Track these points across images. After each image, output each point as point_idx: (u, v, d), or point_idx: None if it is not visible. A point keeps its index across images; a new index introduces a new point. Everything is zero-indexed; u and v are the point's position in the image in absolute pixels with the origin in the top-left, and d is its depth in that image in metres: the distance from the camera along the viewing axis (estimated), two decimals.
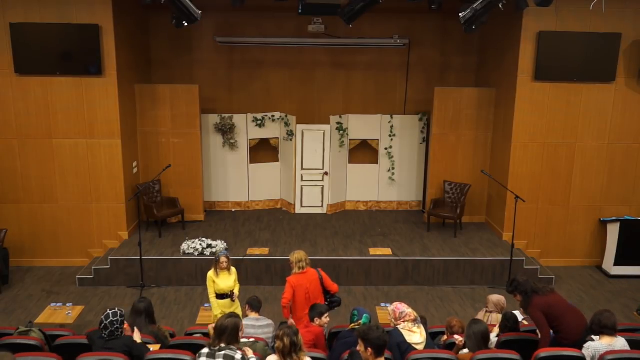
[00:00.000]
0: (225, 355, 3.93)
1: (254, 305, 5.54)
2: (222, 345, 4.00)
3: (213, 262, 6.21)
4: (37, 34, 8.13)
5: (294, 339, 3.96)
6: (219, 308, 6.11)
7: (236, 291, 6.22)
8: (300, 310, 5.61)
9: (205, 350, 4.02)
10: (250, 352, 4.20)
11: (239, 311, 6.12)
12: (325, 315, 5.18)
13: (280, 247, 8.77)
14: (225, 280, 6.13)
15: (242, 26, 10.18)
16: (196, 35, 10.17)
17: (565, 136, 8.86)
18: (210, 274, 6.15)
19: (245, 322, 5.08)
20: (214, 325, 6.00)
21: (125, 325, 4.72)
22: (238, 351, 3.99)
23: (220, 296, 6.13)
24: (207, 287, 6.18)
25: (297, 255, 5.82)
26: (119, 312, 4.51)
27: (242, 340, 4.42)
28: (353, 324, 4.85)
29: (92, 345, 4.54)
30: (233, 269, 6.28)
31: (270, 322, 5.48)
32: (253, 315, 5.48)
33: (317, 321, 5.10)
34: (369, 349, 3.86)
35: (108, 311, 4.50)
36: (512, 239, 8.44)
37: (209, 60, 10.38)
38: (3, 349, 4.57)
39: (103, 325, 4.44)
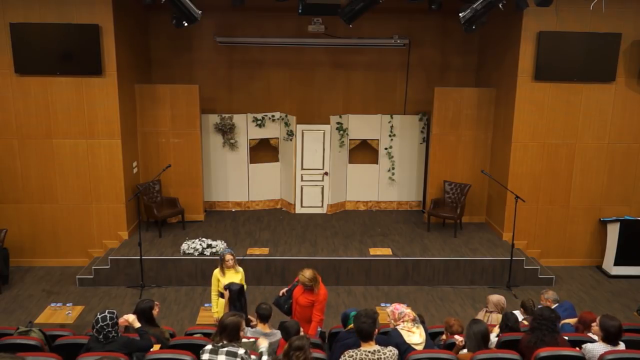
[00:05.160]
0: (228, 352, 3.96)
1: (262, 315, 5.20)
2: (225, 342, 4.02)
3: (219, 261, 6.20)
4: (37, 34, 8.13)
5: (292, 352, 3.89)
6: (217, 306, 6.10)
7: None
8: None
9: (209, 347, 4.04)
10: (265, 342, 4.27)
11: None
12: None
13: (280, 247, 8.77)
14: (230, 279, 6.09)
15: (242, 26, 10.18)
16: (196, 35, 10.17)
17: (565, 136, 8.86)
18: (216, 272, 6.15)
19: (252, 334, 4.97)
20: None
21: (121, 322, 4.71)
22: (240, 348, 4.00)
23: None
24: (212, 284, 6.18)
25: (309, 274, 5.53)
26: (108, 315, 4.41)
27: (243, 340, 4.42)
28: (351, 325, 4.84)
29: (91, 350, 4.51)
30: (240, 269, 6.25)
31: (279, 337, 5.19)
32: (262, 327, 5.19)
33: None
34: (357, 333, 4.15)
35: (97, 315, 4.41)
36: (512, 239, 8.44)
37: (209, 60, 10.38)
38: (3, 349, 4.57)
39: (95, 330, 4.40)
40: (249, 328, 5.18)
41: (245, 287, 6.25)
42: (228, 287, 5.92)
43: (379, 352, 4.02)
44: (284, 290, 5.96)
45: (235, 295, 5.86)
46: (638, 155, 8.98)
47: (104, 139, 8.62)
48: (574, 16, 8.37)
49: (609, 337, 4.67)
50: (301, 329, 5.01)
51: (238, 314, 4.26)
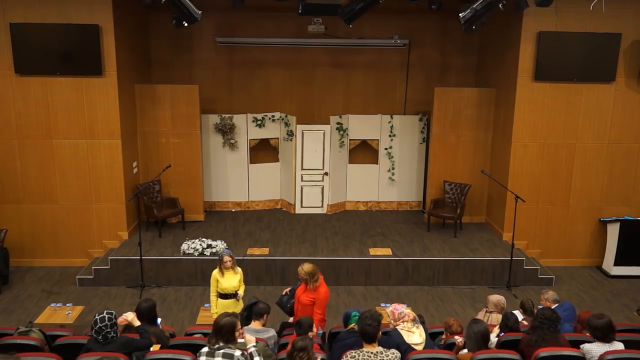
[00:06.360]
0: (224, 354, 3.95)
1: (255, 312, 5.30)
2: (221, 343, 4.01)
3: (217, 261, 6.20)
4: (37, 34, 8.13)
5: (296, 352, 3.90)
6: (217, 307, 6.09)
7: (241, 292, 6.17)
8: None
9: (205, 349, 4.03)
10: (252, 340, 4.26)
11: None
12: (312, 327, 5.06)
13: (280, 247, 8.77)
14: (229, 279, 6.09)
15: (242, 26, 10.18)
16: (196, 35, 10.17)
17: (565, 136, 8.86)
18: (215, 272, 6.12)
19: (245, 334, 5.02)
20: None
21: (120, 320, 4.71)
22: (237, 349, 4.00)
23: (224, 296, 6.10)
24: (210, 284, 6.16)
25: (307, 268, 5.49)
26: (106, 315, 4.43)
27: (241, 340, 4.41)
28: (352, 325, 4.85)
29: (90, 350, 4.51)
30: (239, 269, 6.22)
31: (272, 333, 5.30)
32: (254, 324, 5.27)
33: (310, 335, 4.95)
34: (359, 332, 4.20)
35: (96, 316, 4.43)
36: (512, 239, 8.44)
37: (209, 60, 10.38)
38: (3, 349, 4.57)
39: (94, 330, 4.42)
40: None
41: (243, 287, 6.25)
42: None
43: (382, 353, 4.02)
44: (287, 290, 5.95)
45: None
46: (638, 155, 8.98)
47: (104, 139, 8.62)
48: (574, 16, 8.37)
49: (598, 334, 4.70)
50: (314, 326, 5.04)
51: (233, 314, 4.26)
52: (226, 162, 10.42)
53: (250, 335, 4.35)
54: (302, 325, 4.94)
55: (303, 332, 4.89)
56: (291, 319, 5.64)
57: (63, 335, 5.10)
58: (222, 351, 3.96)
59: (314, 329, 5.06)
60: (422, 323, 5.10)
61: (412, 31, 10.28)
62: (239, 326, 4.19)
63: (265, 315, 5.33)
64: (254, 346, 4.23)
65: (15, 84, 8.37)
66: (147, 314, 5.15)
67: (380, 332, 4.16)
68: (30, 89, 8.39)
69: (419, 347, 4.61)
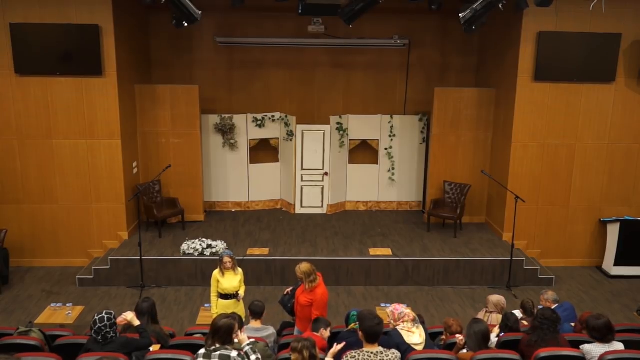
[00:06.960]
0: (220, 356, 3.94)
1: (254, 311, 5.33)
2: (217, 345, 4.00)
3: (218, 262, 6.19)
4: (37, 34, 8.13)
5: (313, 352, 3.94)
6: (217, 307, 6.09)
7: (241, 292, 6.18)
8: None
9: (202, 351, 4.03)
10: (246, 338, 4.25)
11: (242, 312, 6.10)
12: (329, 327, 5.10)
13: (280, 248, 8.77)
14: (230, 280, 6.09)
15: (242, 26, 10.19)
16: (196, 35, 10.18)
17: (565, 136, 8.86)
18: (216, 272, 6.12)
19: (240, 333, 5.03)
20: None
21: (120, 320, 4.71)
22: (233, 350, 4.00)
23: (225, 296, 6.10)
24: (211, 285, 6.16)
25: (304, 267, 5.44)
26: (106, 315, 4.44)
27: (235, 340, 4.41)
28: (352, 325, 4.85)
29: (90, 351, 4.52)
30: (239, 270, 6.22)
31: (272, 331, 5.33)
32: (254, 323, 5.31)
33: (322, 333, 4.96)
34: (361, 332, 4.12)
35: (95, 317, 4.44)
36: (512, 239, 8.44)
37: (209, 60, 10.38)
38: (3, 349, 4.58)
39: (93, 331, 4.43)
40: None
41: (244, 288, 6.25)
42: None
43: (382, 353, 4.01)
44: (289, 289, 5.95)
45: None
46: (638, 155, 8.98)
47: (104, 140, 8.62)
48: (574, 16, 8.37)
49: (596, 335, 4.71)
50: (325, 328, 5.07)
51: (232, 316, 4.26)
52: (226, 162, 10.42)
53: (245, 335, 4.35)
54: (319, 321, 4.96)
55: (316, 329, 4.92)
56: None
57: (63, 335, 5.10)
58: (218, 353, 3.95)
59: (328, 330, 5.04)
60: (422, 323, 5.10)
61: (412, 31, 10.28)
62: (237, 328, 4.19)
63: (263, 314, 5.35)
64: (249, 345, 4.23)
65: (15, 84, 8.37)
66: (148, 313, 5.16)
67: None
68: (30, 89, 8.39)
69: (419, 347, 4.61)
